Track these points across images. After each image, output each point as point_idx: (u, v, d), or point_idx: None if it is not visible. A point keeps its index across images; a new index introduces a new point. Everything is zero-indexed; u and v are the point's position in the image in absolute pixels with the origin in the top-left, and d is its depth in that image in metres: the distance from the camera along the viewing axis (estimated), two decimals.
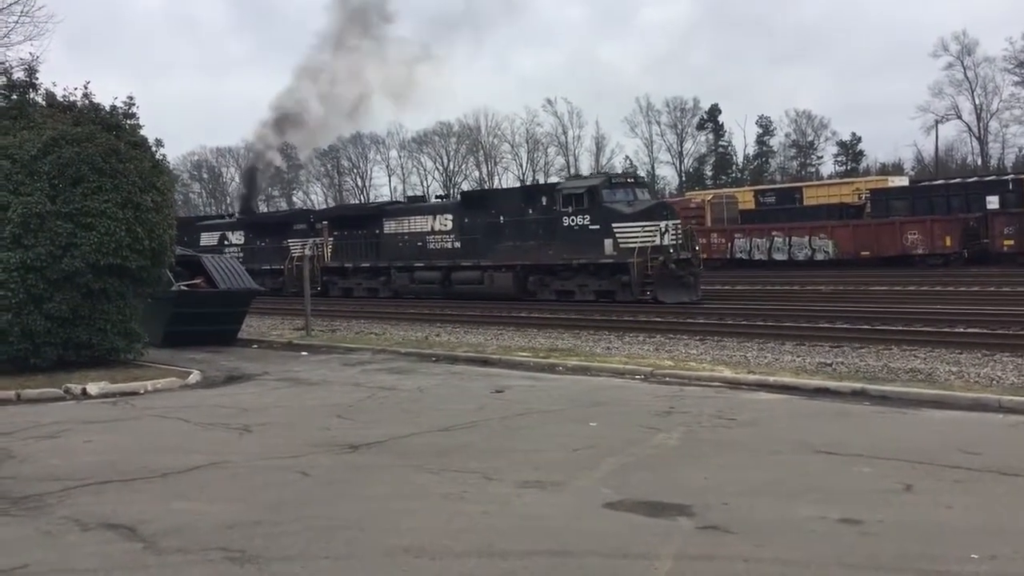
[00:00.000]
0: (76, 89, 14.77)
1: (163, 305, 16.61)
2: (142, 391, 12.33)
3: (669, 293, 24.88)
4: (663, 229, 25.56)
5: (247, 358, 16.22)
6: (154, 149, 14.93)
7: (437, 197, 41.27)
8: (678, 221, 27.01)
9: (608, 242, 25.77)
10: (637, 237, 25.31)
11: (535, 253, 27.64)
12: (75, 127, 13.81)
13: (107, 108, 14.67)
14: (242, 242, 39.61)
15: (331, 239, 35.09)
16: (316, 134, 46.84)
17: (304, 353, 16.92)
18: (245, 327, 19.91)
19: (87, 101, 14.69)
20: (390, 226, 33.15)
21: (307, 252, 33.91)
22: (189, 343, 17.14)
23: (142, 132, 14.83)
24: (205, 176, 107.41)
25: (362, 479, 7.25)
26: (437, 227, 31.31)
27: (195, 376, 13.49)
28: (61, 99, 14.69)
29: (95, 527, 6.11)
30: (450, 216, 31.01)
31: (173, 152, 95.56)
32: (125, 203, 13.62)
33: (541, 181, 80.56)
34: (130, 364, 14.20)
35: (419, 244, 31.78)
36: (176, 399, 11.78)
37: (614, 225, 25.72)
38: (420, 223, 32.06)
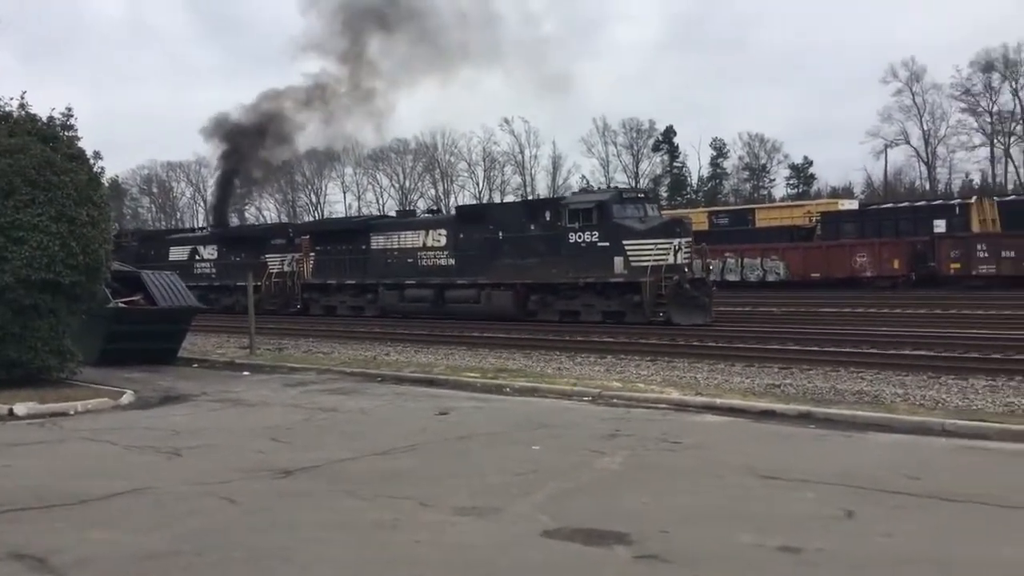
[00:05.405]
0: (12, 99, 14.34)
1: (99, 322, 16.11)
2: (72, 412, 11.86)
3: (683, 314, 23.51)
4: (676, 247, 24.14)
5: (185, 377, 15.78)
6: (92, 162, 14.52)
7: (428, 211, 39.44)
8: (691, 239, 25.45)
9: (618, 260, 24.41)
10: (650, 255, 23.85)
11: (537, 271, 26.24)
12: (8, 138, 13.36)
13: (44, 119, 14.23)
14: (215, 257, 37.99)
15: (312, 254, 33.82)
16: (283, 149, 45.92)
17: (246, 373, 16.51)
18: (188, 345, 19.44)
19: (23, 112, 14.23)
20: (378, 241, 31.69)
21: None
22: (126, 362, 16.63)
23: (80, 144, 14.40)
24: (155, 191, 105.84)
25: (291, 506, 6.96)
26: (430, 243, 29.94)
27: (128, 396, 13.04)
28: None
29: (2, 558, 5.76)
30: (444, 231, 29.65)
31: (124, 165, 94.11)
32: (59, 217, 13.17)
33: (498, 200, 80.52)
34: (62, 383, 13.68)
35: (410, 260, 30.31)
36: (106, 420, 11.34)
37: (625, 242, 24.38)
38: (411, 238, 30.66)
